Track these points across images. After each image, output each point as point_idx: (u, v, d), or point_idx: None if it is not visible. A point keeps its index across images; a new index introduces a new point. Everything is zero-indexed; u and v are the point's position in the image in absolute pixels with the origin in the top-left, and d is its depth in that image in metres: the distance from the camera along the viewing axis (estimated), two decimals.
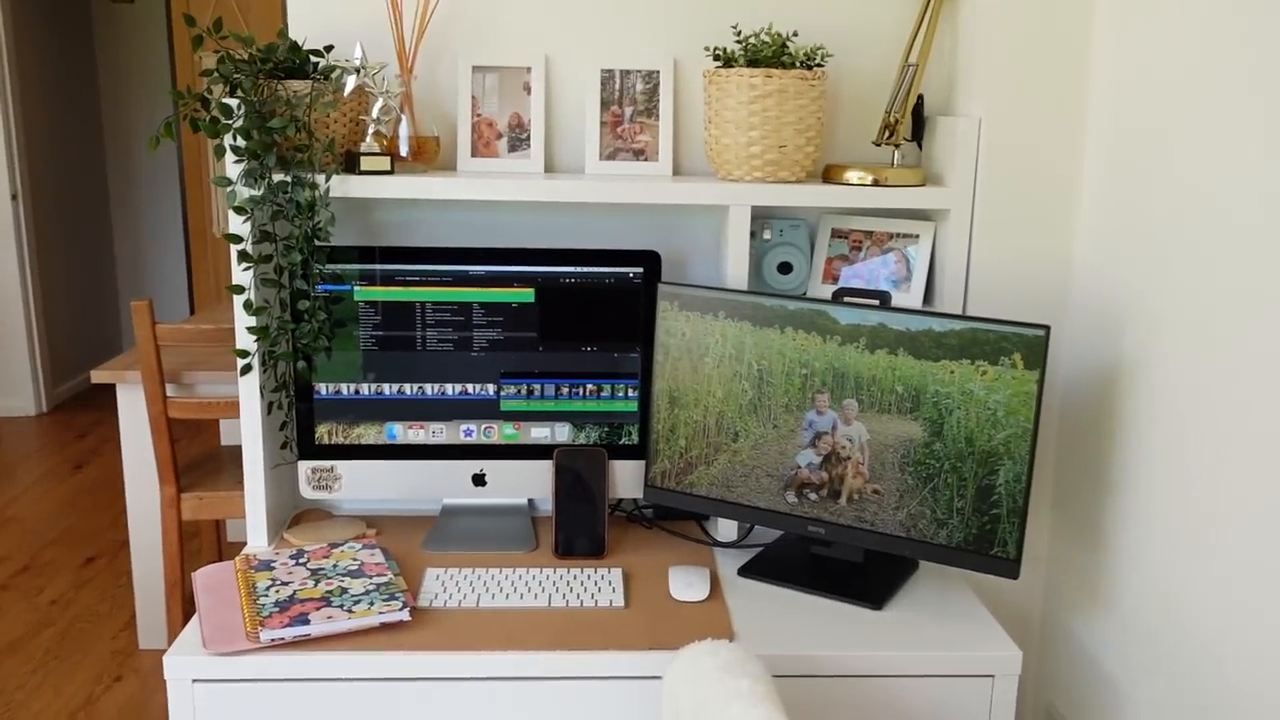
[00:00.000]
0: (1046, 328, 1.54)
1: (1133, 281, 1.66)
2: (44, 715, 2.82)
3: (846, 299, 1.71)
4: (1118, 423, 1.71)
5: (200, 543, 3.47)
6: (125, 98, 6.23)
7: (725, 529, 1.89)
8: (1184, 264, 1.53)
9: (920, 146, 1.94)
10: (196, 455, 3.11)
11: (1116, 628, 1.72)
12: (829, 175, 1.85)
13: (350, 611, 1.52)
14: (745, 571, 1.76)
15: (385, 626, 1.53)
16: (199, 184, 5.13)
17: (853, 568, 1.76)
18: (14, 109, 5.22)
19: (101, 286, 6.26)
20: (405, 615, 1.53)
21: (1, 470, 4.68)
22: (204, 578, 1.63)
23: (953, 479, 1.62)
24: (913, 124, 1.89)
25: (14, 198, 5.26)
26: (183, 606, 2.91)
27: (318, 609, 1.52)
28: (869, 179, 1.80)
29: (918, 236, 1.89)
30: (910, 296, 1.87)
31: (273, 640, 1.47)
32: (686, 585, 1.68)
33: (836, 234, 1.93)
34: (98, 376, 2.94)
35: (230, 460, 3.06)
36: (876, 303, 1.68)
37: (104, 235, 6.30)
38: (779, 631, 1.58)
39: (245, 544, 1.80)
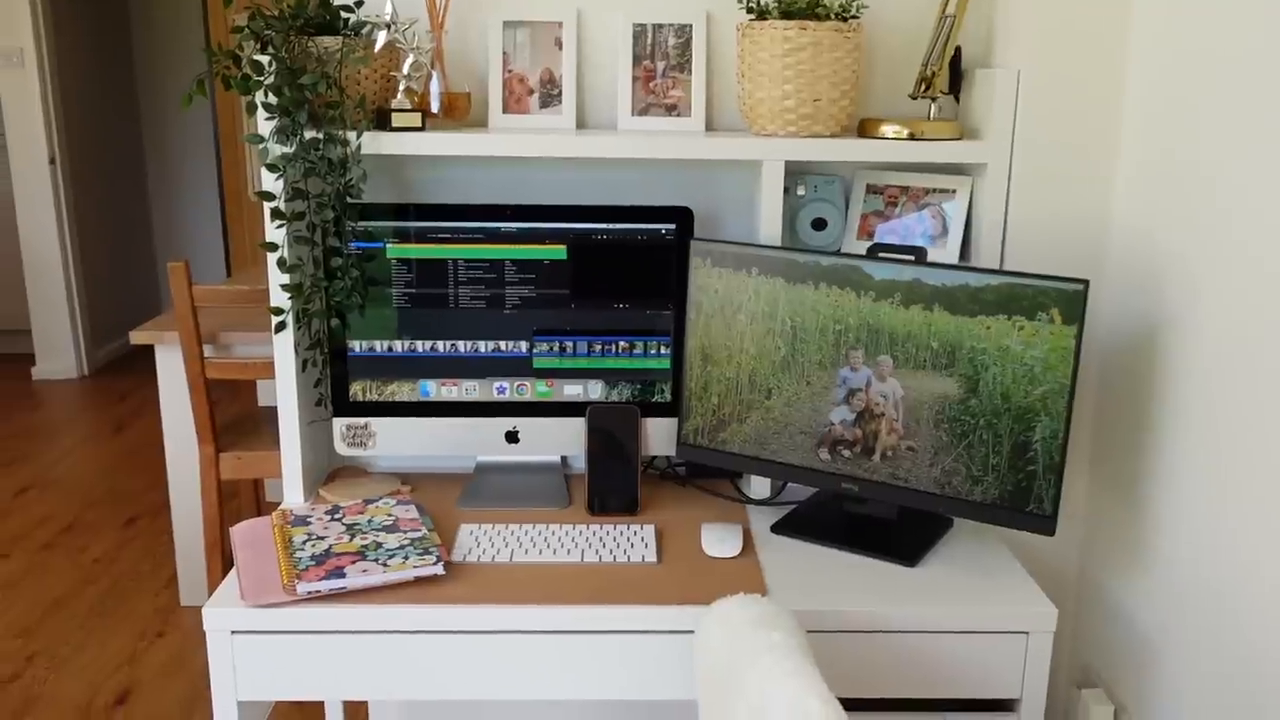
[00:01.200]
0: (1085, 282, 1.51)
1: (1172, 237, 1.63)
2: (90, 668, 2.88)
3: (881, 254, 1.69)
4: (1156, 380, 1.69)
5: (239, 503, 3.52)
6: (160, 59, 6.26)
7: (758, 486, 1.89)
8: (1223, 220, 1.49)
9: (957, 100, 1.91)
10: (234, 416, 3.14)
11: (1154, 586, 1.70)
12: (864, 129, 1.83)
13: (385, 565, 1.53)
14: (778, 529, 1.76)
15: (419, 580, 1.54)
16: (234, 147, 5.16)
17: (886, 525, 1.76)
18: (50, 73, 5.26)
19: (139, 250, 6.33)
20: (439, 569, 1.54)
21: (44, 433, 4.76)
22: (241, 533, 1.65)
23: (988, 435, 1.61)
24: (950, 77, 1.86)
25: (52, 162, 5.32)
26: (222, 565, 2.96)
27: (353, 563, 1.53)
28: (905, 133, 1.78)
29: (954, 192, 1.86)
30: (946, 253, 1.85)
31: (309, 593, 1.48)
32: (719, 541, 1.68)
33: (871, 190, 1.91)
34: (136, 338, 2.98)
35: (268, 421, 3.09)
36: (912, 258, 1.66)
37: (140, 199, 6.35)
38: (811, 587, 1.58)
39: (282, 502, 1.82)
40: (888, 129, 1.79)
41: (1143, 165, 1.72)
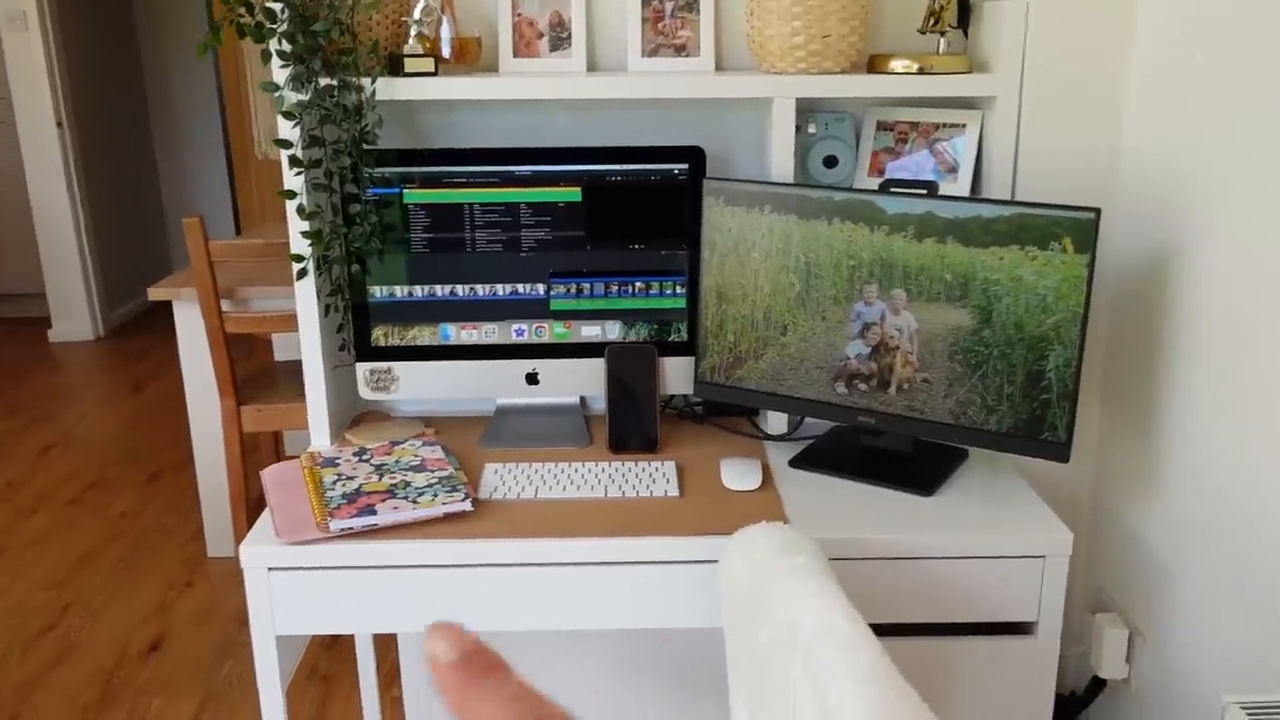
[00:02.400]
0: (1097, 210, 1.53)
1: (1184, 164, 1.64)
2: (121, 618, 2.94)
3: (893, 189, 1.70)
4: (1169, 306, 1.71)
5: (260, 456, 3.56)
6: (162, 17, 6.24)
7: (775, 422, 1.92)
8: (1236, 146, 1.50)
9: (966, 34, 1.91)
10: (253, 371, 3.18)
11: (1167, 511, 1.73)
12: (874, 65, 1.83)
13: (415, 503, 1.57)
14: (796, 463, 1.79)
15: (448, 517, 1.58)
16: (239, 105, 5.15)
17: (903, 457, 1.79)
18: (54, 35, 5.24)
19: (148, 211, 6.35)
20: (468, 505, 1.58)
21: (64, 393, 4.81)
22: (272, 475, 1.69)
23: (1002, 365, 1.63)
24: (958, 10, 1.86)
25: (59, 125, 5.32)
26: (247, 516, 3.01)
27: (384, 500, 1.57)
28: (914, 67, 1.78)
29: (964, 126, 1.87)
30: (957, 188, 1.86)
31: (342, 530, 1.52)
32: (739, 475, 1.71)
33: (882, 126, 1.92)
34: (155, 294, 3.01)
35: (285, 374, 3.13)
36: (924, 192, 1.67)
37: (147, 160, 6.36)
38: (830, 517, 1.62)
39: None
40: (897, 64, 1.79)
41: (1154, 91, 1.72)
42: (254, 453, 3.74)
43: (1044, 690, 1.61)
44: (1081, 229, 1.54)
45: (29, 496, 3.73)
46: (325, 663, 2.72)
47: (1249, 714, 1.25)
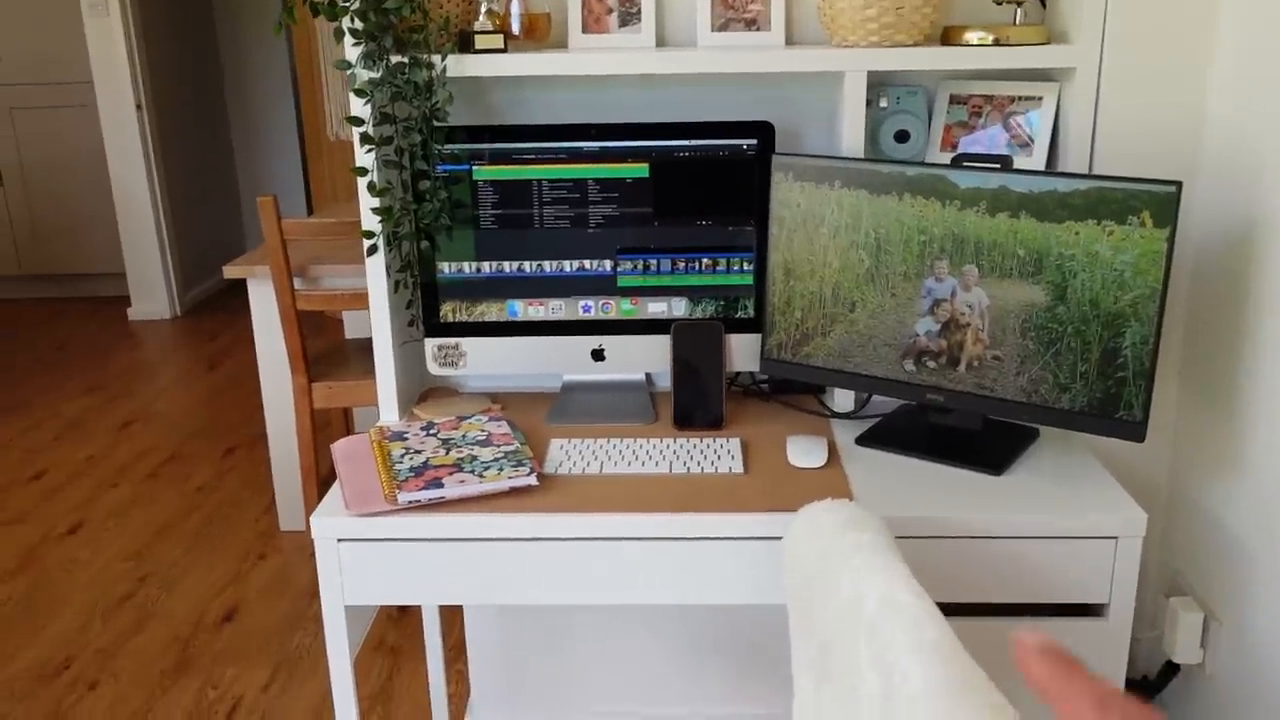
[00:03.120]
0: (1178, 183, 1.49)
1: (1268, 136, 1.59)
2: (199, 587, 3.02)
3: (966, 164, 1.67)
4: (1251, 281, 1.66)
5: (331, 432, 3.63)
6: (238, 2, 6.34)
7: (842, 400, 1.90)
8: None
9: (1044, 4, 1.87)
10: (324, 349, 3.23)
11: (1247, 493, 1.69)
12: (947, 37, 1.80)
13: (481, 476, 1.58)
14: (863, 440, 1.78)
15: (514, 491, 1.59)
16: (313, 88, 5.23)
17: (972, 435, 1.76)
18: (133, 19, 5.36)
19: (224, 192, 6.47)
20: (533, 480, 1.59)
21: (142, 371, 4.93)
22: (342, 448, 1.72)
23: (1076, 343, 1.60)
24: None
25: (139, 108, 5.45)
26: (319, 490, 3.07)
27: (450, 474, 1.59)
28: (990, 39, 1.75)
29: (1040, 99, 1.83)
30: (1032, 162, 1.82)
31: (410, 502, 1.54)
32: (804, 453, 1.70)
33: (955, 100, 1.88)
34: (230, 272, 3.07)
35: (355, 352, 3.18)
36: (998, 166, 1.64)
37: (223, 143, 6.49)
38: (897, 495, 1.60)
39: None
40: (972, 35, 1.76)
41: (1238, 61, 1.67)
42: (325, 429, 3.81)
43: (1115, 673, 1.58)
44: (1161, 203, 1.50)
45: (109, 470, 3.84)
46: (393, 635, 2.76)
47: None
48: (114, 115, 5.43)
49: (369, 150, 1.75)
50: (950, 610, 1.62)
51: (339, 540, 1.56)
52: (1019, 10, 1.80)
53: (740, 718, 2.24)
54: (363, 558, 1.57)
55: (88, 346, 5.28)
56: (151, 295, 5.73)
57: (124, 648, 2.75)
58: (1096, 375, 1.59)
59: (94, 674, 2.64)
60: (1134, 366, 1.56)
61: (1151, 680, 1.97)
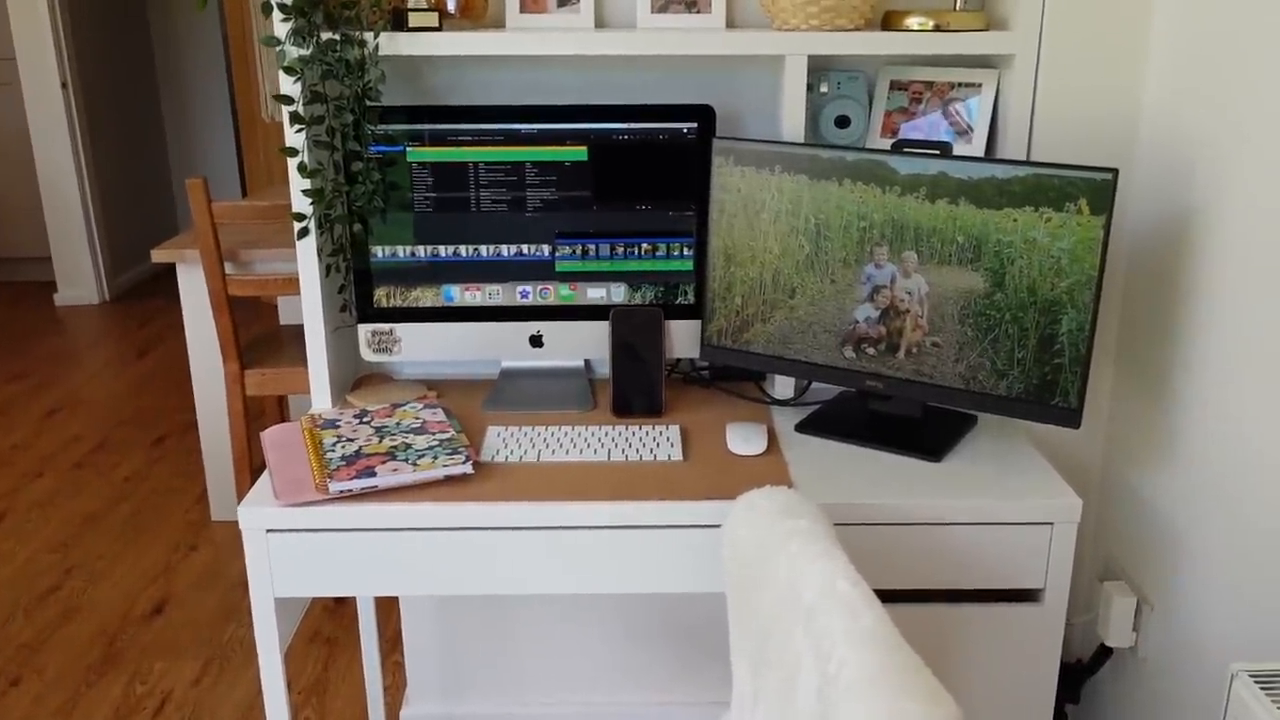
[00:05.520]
0: (1114, 171, 1.49)
1: (1204, 125, 1.60)
2: (126, 580, 2.94)
3: (906, 149, 1.66)
4: (1184, 270, 1.67)
5: (265, 421, 3.55)
6: None
7: (782, 387, 1.90)
8: (1258, 106, 1.47)
9: None
10: (257, 335, 3.16)
11: (1179, 480, 1.71)
12: (888, 22, 1.79)
13: (415, 465, 1.55)
14: (802, 427, 1.77)
15: (449, 479, 1.56)
16: (246, 69, 5.11)
17: (911, 422, 1.76)
18: None
19: (155, 175, 6.31)
20: (468, 468, 1.56)
21: (69, 357, 4.80)
22: (272, 437, 1.67)
23: (1014, 329, 1.60)
24: None
25: (64, 86, 5.29)
26: (251, 479, 3.00)
27: (383, 463, 1.55)
28: (930, 24, 1.74)
29: (980, 86, 1.83)
30: (972, 149, 1.83)
31: (341, 491, 1.50)
32: (744, 440, 1.69)
33: (896, 86, 1.88)
34: (158, 255, 2.99)
35: (289, 339, 3.11)
36: (938, 152, 1.64)
37: (154, 124, 6.32)
38: (836, 482, 1.59)
39: None
40: (913, 20, 1.75)
41: (1174, 51, 1.68)
42: (259, 418, 3.73)
43: (1050, 658, 1.59)
44: (1097, 190, 1.51)
45: (34, 459, 3.73)
46: (329, 627, 2.71)
47: (1258, 682, 1.23)
48: (38, 94, 5.26)
49: (299, 130, 1.70)
50: (888, 597, 1.63)
51: (268, 531, 1.52)
52: None
53: (681, 705, 2.23)
54: (293, 548, 1.53)
55: (12, 333, 5.12)
56: (79, 280, 5.58)
57: (49, 642, 2.67)
58: (1033, 362, 1.59)
59: (16, 670, 2.56)
60: (1070, 353, 1.57)
61: (1085, 663, 1.99)
